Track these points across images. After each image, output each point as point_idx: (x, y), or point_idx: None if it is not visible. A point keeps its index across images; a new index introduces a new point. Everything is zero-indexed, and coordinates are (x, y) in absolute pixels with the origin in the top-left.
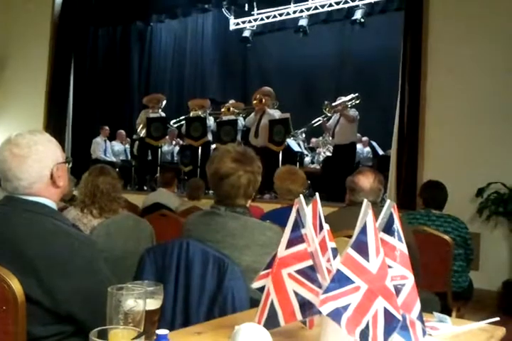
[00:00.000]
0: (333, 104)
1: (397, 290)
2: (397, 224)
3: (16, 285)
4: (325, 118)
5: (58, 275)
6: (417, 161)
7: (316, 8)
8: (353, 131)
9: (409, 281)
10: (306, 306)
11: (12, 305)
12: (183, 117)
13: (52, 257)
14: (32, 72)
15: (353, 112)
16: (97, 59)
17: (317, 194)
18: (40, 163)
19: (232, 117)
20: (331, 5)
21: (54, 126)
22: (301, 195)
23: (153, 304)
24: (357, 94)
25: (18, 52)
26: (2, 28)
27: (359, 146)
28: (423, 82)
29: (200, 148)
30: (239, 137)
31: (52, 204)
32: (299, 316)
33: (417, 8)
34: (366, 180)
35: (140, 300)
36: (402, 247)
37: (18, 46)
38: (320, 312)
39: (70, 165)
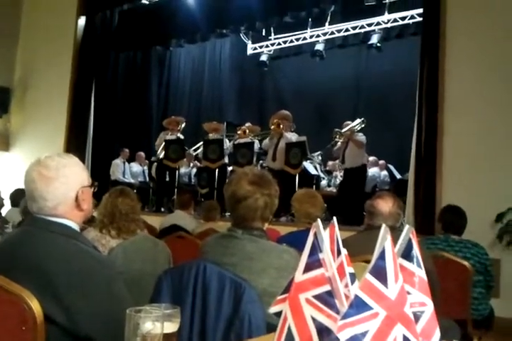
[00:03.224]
0: (342, 131)
1: (416, 317)
2: (416, 250)
3: (35, 305)
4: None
5: (77, 295)
6: (435, 185)
7: (332, 33)
8: (362, 153)
9: (429, 308)
10: (324, 332)
11: (31, 325)
12: (201, 143)
13: (72, 277)
14: (53, 95)
15: (361, 137)
16: (118, 83)
17: (334, 218)
18: (67, 185)
19: (248, 140)
20: (347, 30)
21: (74, 148)
22: (318, 219)
23: (171, 327)
24: (362, 119)
25: (41, 75)
26: (25, 51)
27: (376, 170)
28: (440, 105)
29: (217, 170)
30: (255, 159)
31: (75, 226)
32: None
33: (434, 33)
34: (385, 205)
35: (158, 322)
36: (421, 273)
37: (40, 70)
38: (338, 339)
39: (95, 189)
